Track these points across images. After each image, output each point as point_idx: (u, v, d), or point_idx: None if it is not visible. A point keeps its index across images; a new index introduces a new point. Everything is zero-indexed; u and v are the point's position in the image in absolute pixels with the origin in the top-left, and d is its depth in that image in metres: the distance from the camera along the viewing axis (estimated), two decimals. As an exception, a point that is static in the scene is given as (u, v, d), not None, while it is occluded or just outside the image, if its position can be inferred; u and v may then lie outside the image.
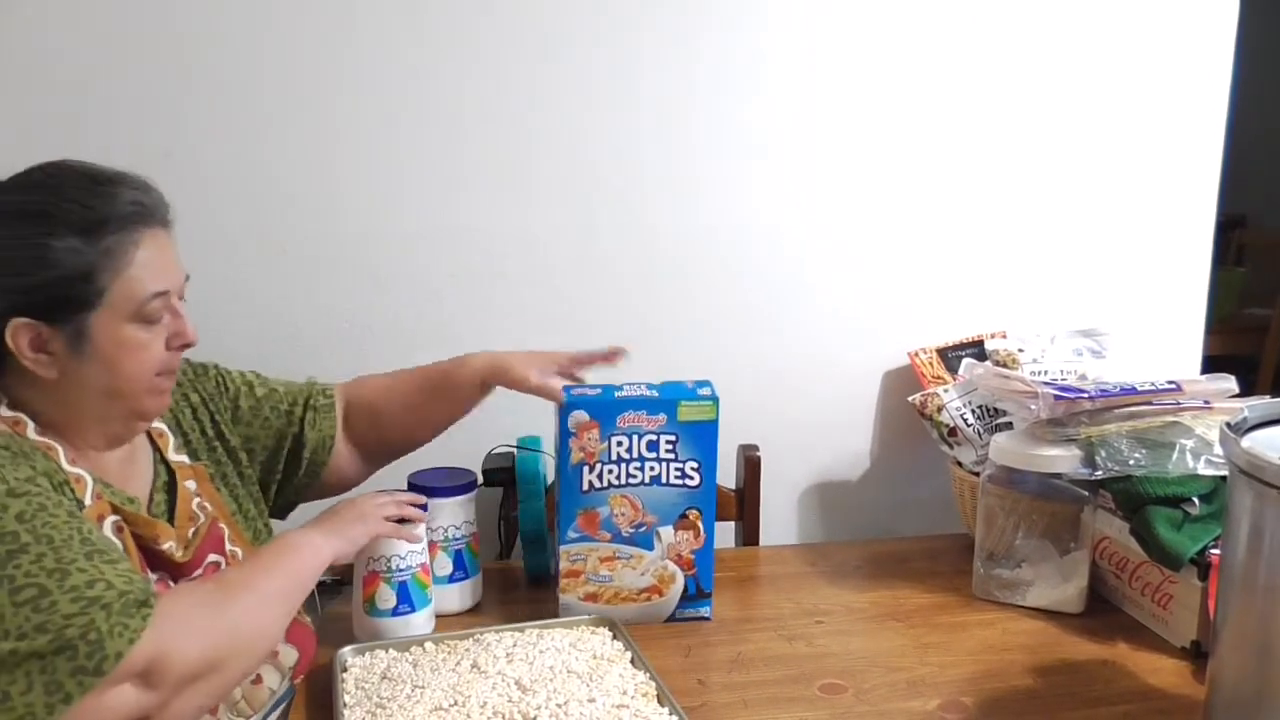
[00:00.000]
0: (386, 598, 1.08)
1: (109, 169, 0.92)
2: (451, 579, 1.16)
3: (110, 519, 0.87)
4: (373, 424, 1.16)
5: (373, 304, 1.38)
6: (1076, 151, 1.51)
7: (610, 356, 1.15)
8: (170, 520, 0.95)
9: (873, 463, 1.55)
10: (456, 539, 1.16)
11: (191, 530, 0.96)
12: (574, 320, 1.43)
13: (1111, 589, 1.20)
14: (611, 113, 1.38)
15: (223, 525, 1.00)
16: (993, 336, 1.50)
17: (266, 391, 1.12)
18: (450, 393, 1.15)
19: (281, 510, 1.17)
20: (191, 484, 0.99)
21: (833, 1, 1.40)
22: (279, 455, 1.11)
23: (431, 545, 1.13)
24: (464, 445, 1.40)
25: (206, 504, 0.99)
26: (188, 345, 0.94)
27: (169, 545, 0.91)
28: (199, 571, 0.94)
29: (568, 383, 1.12)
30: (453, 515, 1.16)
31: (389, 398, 1.17)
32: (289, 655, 0.99)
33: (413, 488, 1.14)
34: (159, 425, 1.00)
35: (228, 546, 1.00)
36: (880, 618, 1.18)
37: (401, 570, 1.08)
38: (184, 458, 1.01)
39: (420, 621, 1.11)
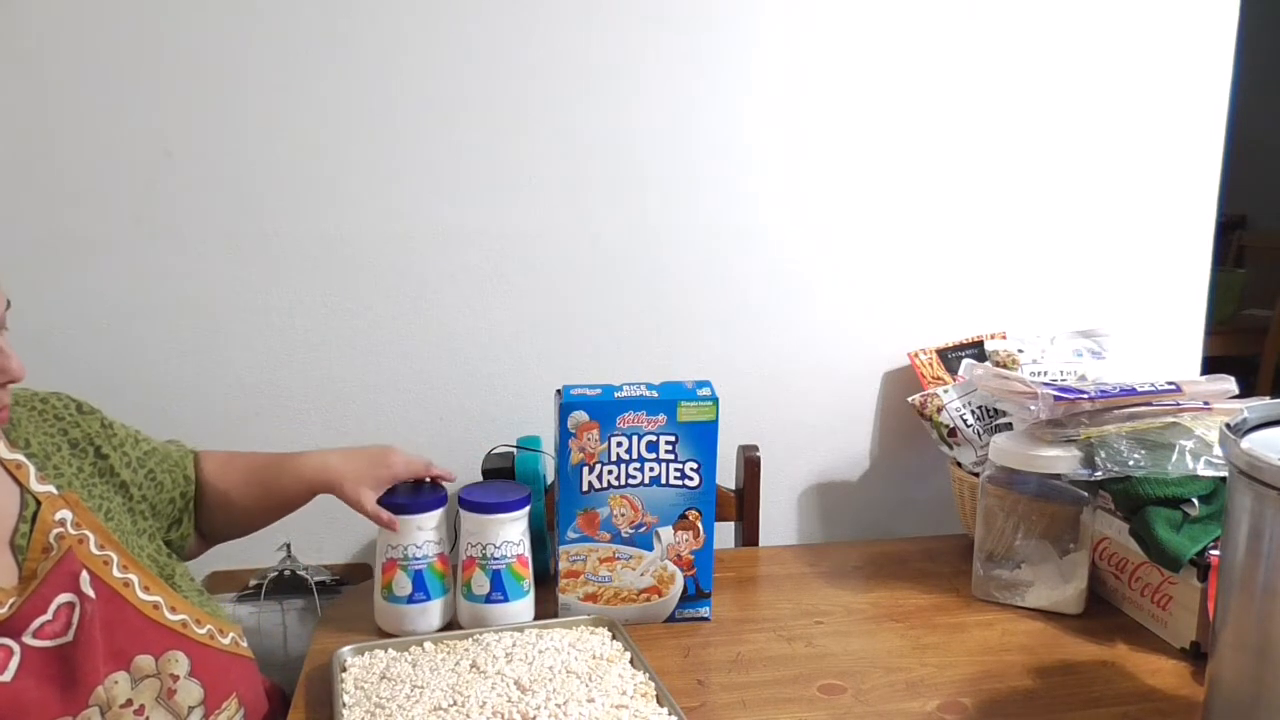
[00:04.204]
0: (403, 585, 1.10)
1: None
2: (488, 599, 1.11)
3: None
4: (215, 507, 1.10)
5: (372, 304, 1.38)
6: (1076, 152, 1.51)
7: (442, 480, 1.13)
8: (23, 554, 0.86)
9: (872, 463, 1.56)
10: (416, 559, 1.11)
11: (39, 565, 0.85)
12: (574, 321, 1.43)
13: (1111, 590, 1.20)
14: (612, 112, 1.38)
15: (105, 552, 0.90)
16: (992, 337, 1.50)
17: (150, 449, 1.05)
18: (278, 493, 1.10)
19: None
20: (64, 514, 0.89)
21: (832, 1, 1.40)
22: (158, 511, 1.03)
23: (390, 563, 1.11)
24: (464, 445, 1.41)
25: (85, 532, 0.89)
26: (11, 380, 0.86)
27: None
28: (44, 618, 0.83)
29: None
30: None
31: (220, 483, 1.10)
32: (189, 692, 0.91)
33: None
34: (15, 457, 0.90)
35: (115, 572, 0.90)
36: (879, 618, 1.18)
37: (417, 559, 1.10)
38: (50, 488, 0.90)
39: (437, 610, 1.11)
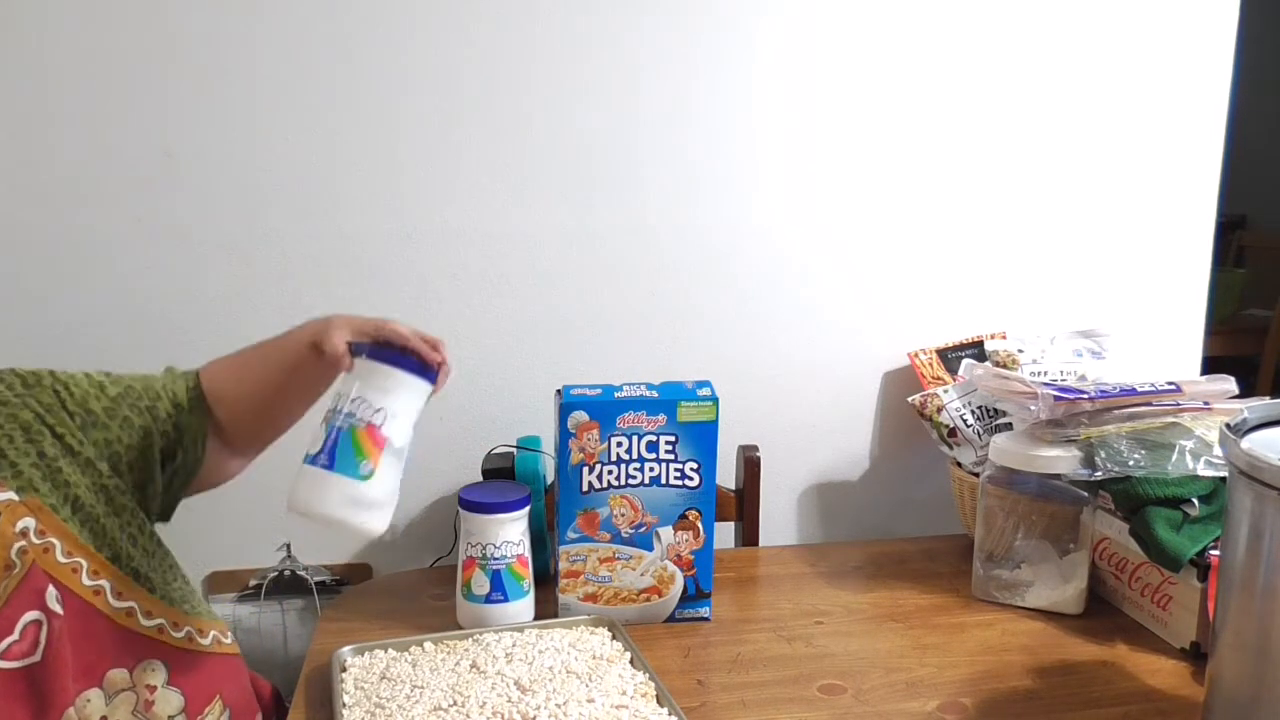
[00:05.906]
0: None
1: None
2: (488, 599, 1.12)
3: None
4: (229, 408, 1.01)
5: (372, 305, 1.38)
6: (1076, 152, 1.51)
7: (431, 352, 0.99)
8: None
9: (872, 463, 1.56)
10: (495, 559, 1.11)
11: (2, 584, 0.81)
12: (574, 321, 1.43)
13: (1111, 590, 1.20)
14: (611, 113, 1.38)
15: (73, 559, 0.86)
16: (992, 337, 1.50)
17: (121, 390, 0.95)
18: (290, 351, 0.99)
19: (164, 512, 1.02)
20: (26, 522, 0.83)
21: (831, 2, 1.40)
22: (149, 457, 0.95)
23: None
24: (464, 445, 1.41)
25: (51, 539, 0.85)
26: None
27: None
28: (11, 638, 0.79)
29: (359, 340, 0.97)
30: (491, 532, 1.11)
31: (239, 375, 1.01)
32: (168, 701, 0.89)
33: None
34: None
35: (85, 580, 0.86)
36: (879, 618, 1.18)
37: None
38: (10, 494, 0.84)
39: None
